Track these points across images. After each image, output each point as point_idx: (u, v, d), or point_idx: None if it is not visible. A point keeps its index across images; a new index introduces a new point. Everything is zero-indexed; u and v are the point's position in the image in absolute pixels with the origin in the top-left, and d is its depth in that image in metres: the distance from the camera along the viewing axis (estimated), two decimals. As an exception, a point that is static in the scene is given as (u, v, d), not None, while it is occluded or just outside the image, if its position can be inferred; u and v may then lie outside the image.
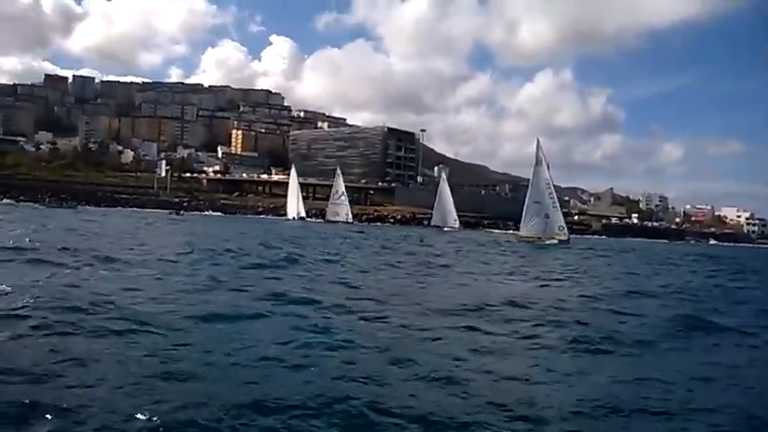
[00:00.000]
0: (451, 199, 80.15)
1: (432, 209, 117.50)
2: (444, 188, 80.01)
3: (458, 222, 78.77)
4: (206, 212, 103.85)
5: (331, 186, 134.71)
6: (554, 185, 59.25)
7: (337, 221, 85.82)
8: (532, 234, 58.13)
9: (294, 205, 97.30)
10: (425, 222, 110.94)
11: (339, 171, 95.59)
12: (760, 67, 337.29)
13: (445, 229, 78.76)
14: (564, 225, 57.80)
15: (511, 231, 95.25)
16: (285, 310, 11.70)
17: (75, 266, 16.53)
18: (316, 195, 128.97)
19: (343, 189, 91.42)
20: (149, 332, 9.03)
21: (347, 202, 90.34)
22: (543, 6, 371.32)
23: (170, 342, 8.57)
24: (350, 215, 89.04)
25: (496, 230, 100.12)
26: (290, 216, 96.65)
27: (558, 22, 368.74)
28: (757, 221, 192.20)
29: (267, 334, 9.55)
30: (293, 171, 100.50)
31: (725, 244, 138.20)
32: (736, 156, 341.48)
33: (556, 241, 56.32)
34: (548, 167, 57.74)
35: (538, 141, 60.75)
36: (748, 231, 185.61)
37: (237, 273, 18.04)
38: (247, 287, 14.56)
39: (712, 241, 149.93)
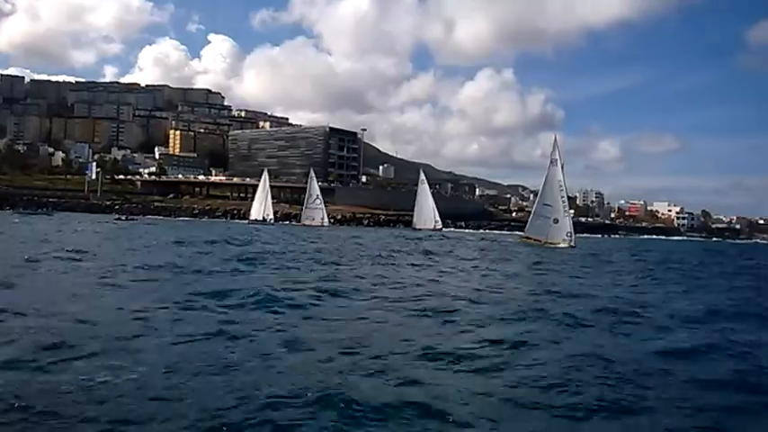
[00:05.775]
0: (432, 200, 75.31)
1: (373, 207, 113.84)
2: (424, 189, 75.17)
3: (440, 223, 74.17)
4: (141, 216, 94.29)
5: (275, 187, 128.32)
6: (565, 185, 54.91)
7: (314, 225, 79.37)
8: (537, 236, 54.00)
9: (259, 208, 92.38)
10: (365, 222, 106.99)
11: (313, 174, 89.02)
12: (691, 66, 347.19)
13: (421, 228, 73.01)
14: (572, 231, 53.90)
15: (470, 231, 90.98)
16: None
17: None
18: (247, 195, 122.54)
19: (319, 192, 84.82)
20: None
21: (323, 206, 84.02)
22: (480, 5, 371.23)
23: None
24: (326, 218, 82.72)
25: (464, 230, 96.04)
26: (252, 218, 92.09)
27: (495, 22, 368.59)
28: (686, 215, 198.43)
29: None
30: (265, 174, 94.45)
31: (654, 237, 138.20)
32: (671, 152, 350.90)
33: (564, 245, 52.24)
34: (562, 168, 53.64)
35: (555, 139, 56.83)
36: (678, 225, 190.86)
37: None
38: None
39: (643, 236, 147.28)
